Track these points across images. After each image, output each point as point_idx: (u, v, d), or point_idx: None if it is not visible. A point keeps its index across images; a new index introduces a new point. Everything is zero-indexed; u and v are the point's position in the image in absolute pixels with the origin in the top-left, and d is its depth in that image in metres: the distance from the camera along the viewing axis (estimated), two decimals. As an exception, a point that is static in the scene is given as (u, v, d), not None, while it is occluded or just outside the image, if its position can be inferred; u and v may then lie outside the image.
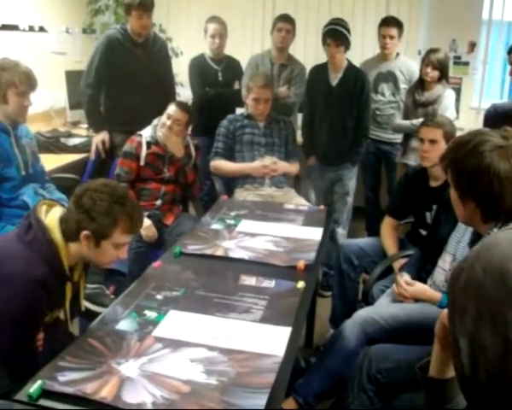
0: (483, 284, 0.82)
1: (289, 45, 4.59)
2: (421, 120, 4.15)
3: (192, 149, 3.87)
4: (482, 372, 0.82)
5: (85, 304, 2.65)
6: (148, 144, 3.68)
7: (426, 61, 4.30)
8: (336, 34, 3.99)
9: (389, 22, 4.62)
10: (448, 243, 2.61)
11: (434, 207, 3.08)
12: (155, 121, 3.75)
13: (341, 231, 4.38)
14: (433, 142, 3.10)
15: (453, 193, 1.88)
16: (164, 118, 3.68)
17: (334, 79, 4.16)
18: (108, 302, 2.67)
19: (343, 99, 4.14)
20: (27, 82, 2.92)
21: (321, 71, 4.23)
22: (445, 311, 1.10)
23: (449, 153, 1.87)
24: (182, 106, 3.73)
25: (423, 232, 3.19)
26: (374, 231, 4.82)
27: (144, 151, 3.66)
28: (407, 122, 4.42)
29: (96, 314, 2.58)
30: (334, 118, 4.17)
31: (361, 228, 5.11)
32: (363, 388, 2.27)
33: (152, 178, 3.70)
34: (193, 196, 4.04)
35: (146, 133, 3.72)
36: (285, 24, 4.45)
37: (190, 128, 4.75)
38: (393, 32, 4.59)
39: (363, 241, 3.44)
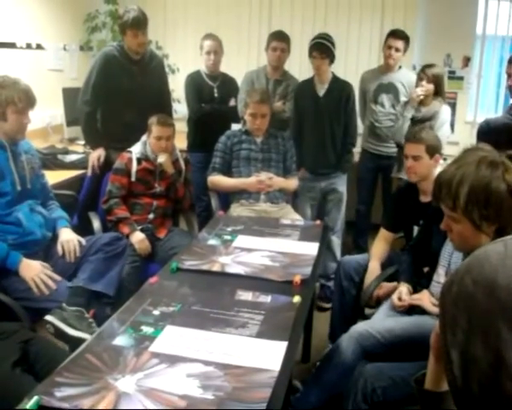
0: (474, 296, 0.83)
1: (284, 63, 4.62)
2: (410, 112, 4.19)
3: (182, 163, 3.91)
4: (474, 384, 0.82)
5: (62, 327, 2.66)
6: (139, 160, 3.72)
7: (421, 76, 4.33)
8: (322, 48, 4.16)
9: (397, 34, 4.64)
10: (440, 256, 2.63)
11: (421, 222, 3.12)
12: (144, 138, 3.80)
13: (336, 240, 4.42)
14: (415, 158, 3.14)
15: (465, 227, 1.88)
16: (156, 142, 3.73)
17: (321, 90, 4.30)
18: (85, 327, 2.66)
19: (331, 108, 4.28)
20: (26, 100, 2.93)
21: (307, 85, 4.37)
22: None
23: (463, 188, 1.86)
24: (164, 122, 3.77)
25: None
26: (362, 247, 4.84)
27: (135, 167, 3.70)
28: (399, 122, 4.41)
29: (71, 338, 2.60)
30: (323, 128, 4.29)
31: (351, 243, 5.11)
32: (358, 407, 2.26)
33: (143, 193, 3.75)
34: (183, 210, 4.07)
35: (136, 149, 3.76)
36: (279, 43, 4.49)
37: (186, 144, 4.81)
38: (400, 44, 4.61)
39: (363, 257, 3.44)
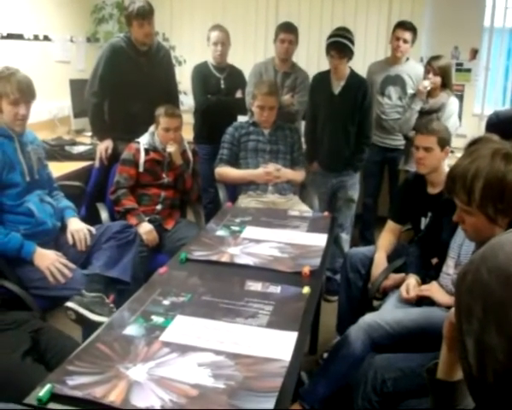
0: (488, 285, 0.83)
1: (292, 55, 4.60)
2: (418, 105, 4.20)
3: (189, 154, 3.92)
4: (489, 373, 0.83)
5: (83, 312, 2.68)
6: (147, 151, 3.73)
7: (427, 68, 4.33)
8: (340, 47, 4.02)
9: (405, 25, 4.61)
10: (450, 247, 2.62)
11: (430, 214, 3.11)
12: (152, 128, 3.81)
13: (345, 237, 4.41)
14: (427, 149, 3.13)
15: (479, 220, 1.87)
16: (164, 133, 3.74)
17: (337, 88, 4.19)
18: (107, 312, 2.68)
19: (345, 107, 4.17)
20: (20, 92, 2.89)
21: (324, 78, 4.26)
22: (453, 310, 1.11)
23: (478, 182, 1.85)
24: (171, 113, 3.77)
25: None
26: (368, 239, 4.84)
27: (142, 158, 3.71)
28: (407, 114, 4.41)
29: (93, 323, 2.61)
30: (336, 125, 4.20)
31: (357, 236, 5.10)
32: (368, 398, 2.27)
33: (151, 184, 3.75)
34: (191, 202, 4.08)
35: (143, 140, 3.77)
36: (287, 34, 4.44)
37: (192, 136, 4.82)
38: (408, 35, 4.59)
39: (369, 249, 3.43)
